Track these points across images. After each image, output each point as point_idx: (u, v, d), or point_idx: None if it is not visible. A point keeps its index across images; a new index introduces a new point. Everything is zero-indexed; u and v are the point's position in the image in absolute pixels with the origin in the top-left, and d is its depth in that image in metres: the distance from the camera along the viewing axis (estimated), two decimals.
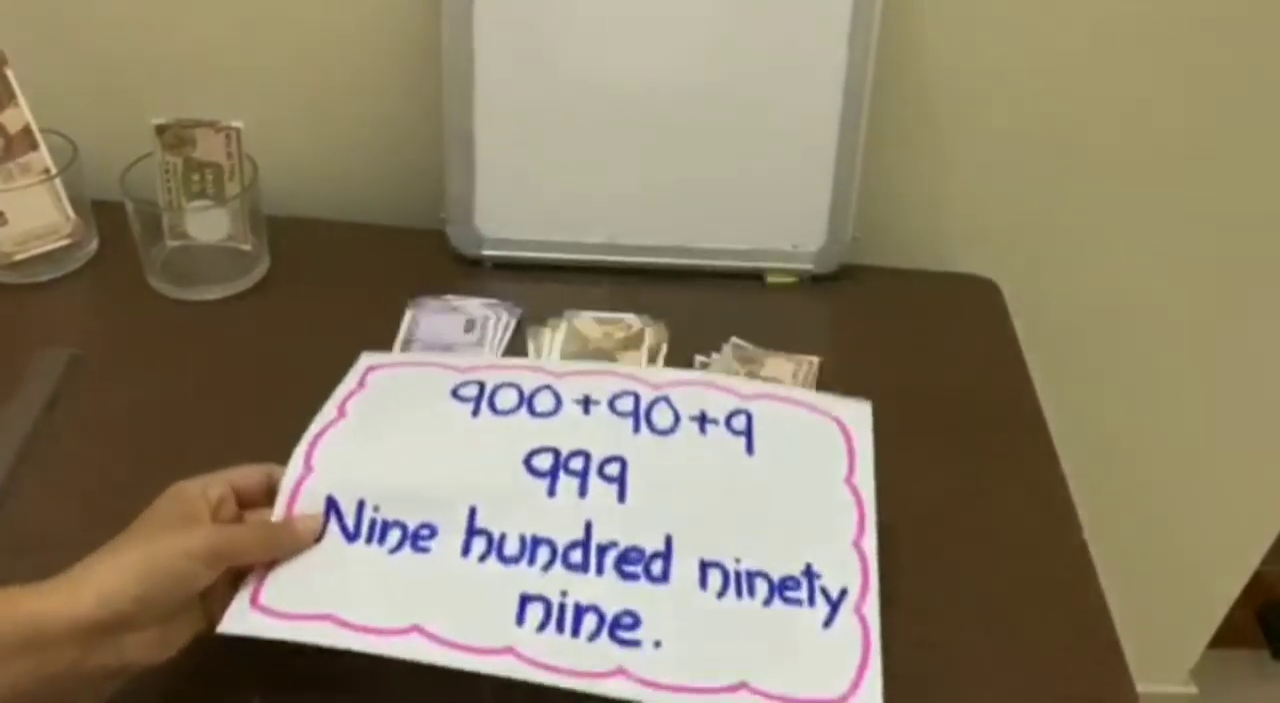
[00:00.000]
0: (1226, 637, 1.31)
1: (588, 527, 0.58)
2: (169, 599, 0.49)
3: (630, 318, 0.82)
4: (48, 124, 0.81)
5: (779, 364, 0.79)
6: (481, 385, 0.65)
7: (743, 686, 0.53)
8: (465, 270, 0.86)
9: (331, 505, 0.57)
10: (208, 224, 0.82)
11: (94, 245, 0.84)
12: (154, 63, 0.87)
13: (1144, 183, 0.93)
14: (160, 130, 0.79)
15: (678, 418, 0.64)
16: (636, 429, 0.63)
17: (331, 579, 0.55)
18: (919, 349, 0.83)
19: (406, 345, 0.78)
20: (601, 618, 0.55)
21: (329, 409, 0.62)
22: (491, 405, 0.63)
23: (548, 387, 0.65)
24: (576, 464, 0.61)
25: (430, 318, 0.81)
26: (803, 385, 0.77)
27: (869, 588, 0.58)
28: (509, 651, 0.53)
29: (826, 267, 0.87)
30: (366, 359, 0.66)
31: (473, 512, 0.58)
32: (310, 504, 0.57)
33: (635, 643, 0.54)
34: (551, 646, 0.53)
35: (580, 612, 0.55)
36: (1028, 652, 0.64)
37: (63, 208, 0.81)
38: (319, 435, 0.60)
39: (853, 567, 0.59)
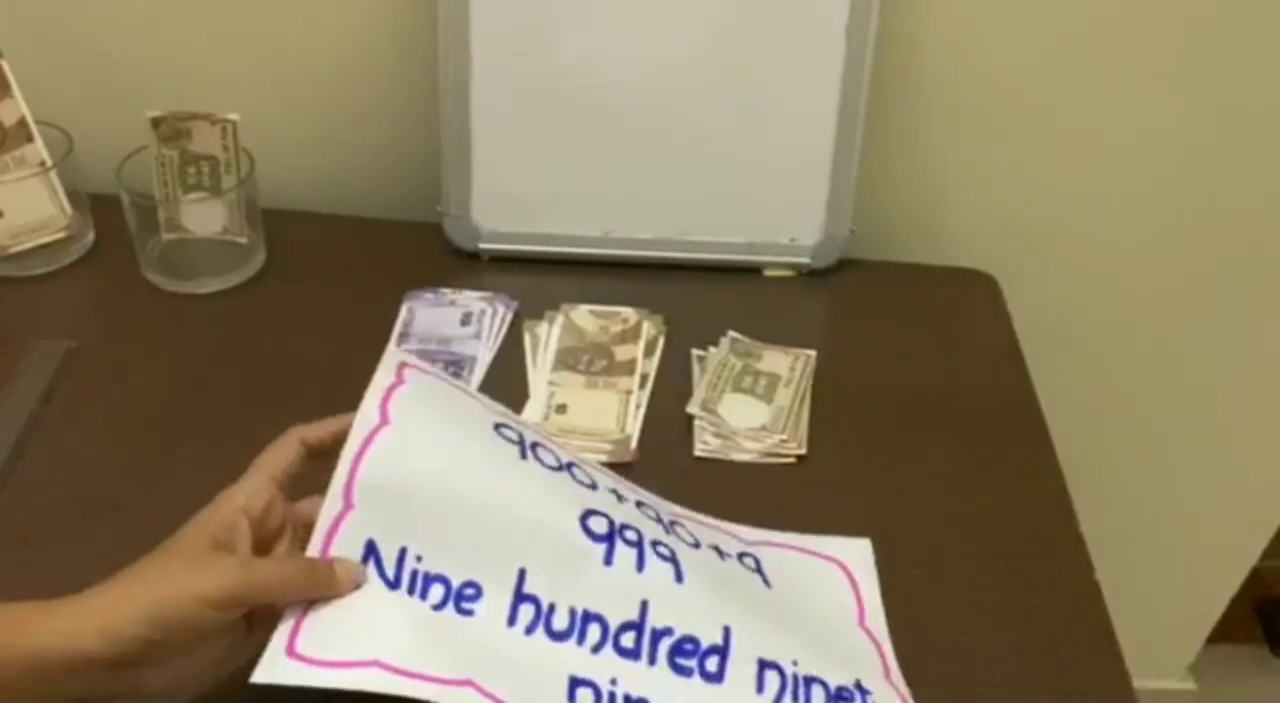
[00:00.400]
0: (1225, 632, 1.31)
1: (643, 607, 0.53)
2: (181, 642, 0.46)
3: (627, 311, 0.82)
4: (43, 116, 0.80)
5: (776, 358, 0.79)
6: (521, 435, 0.58)
7: None
8: (461, 264, 0.86)
9: (371, 550, 0.51)
10: (204, 217, 0.82)
11: (90, 238, 0.84)
12: (149, 55, 0.87)
13: (1142, 176, 0.93)
14: (156, 123, 0.79)
15: (697, 541, 0.59)
16: (668, 532, 0.58)
17: (375, 626, 0.49)
18: (917, 343, 0.83)
19: (403, 339, 0.78)
20: None
21: (369, 411, 0.54)
22: (536, 457, 0.57)
23: (577, 465, 0.59)
24: (631, 536, 0.55)
25: (426, 311, 0.81)
26: (800, 378, 0.77)
27: None
28: None
29: (824, 260, 0.87)
30: (396, 355, 0.58)
31: (522, 574, 0.52)
32: (348, 546, 0.51)
33: None
34: None
35: None
36: (1023, 645, 0.63)
37: (58, 201, 0.81)
38: (362, 452, 0.53)
39: (894, 697, 0.57)
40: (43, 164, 0.80)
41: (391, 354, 0.57)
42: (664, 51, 0.80)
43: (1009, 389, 0.80)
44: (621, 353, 0.79)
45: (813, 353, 0.79)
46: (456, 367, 0.76)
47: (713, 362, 0.78)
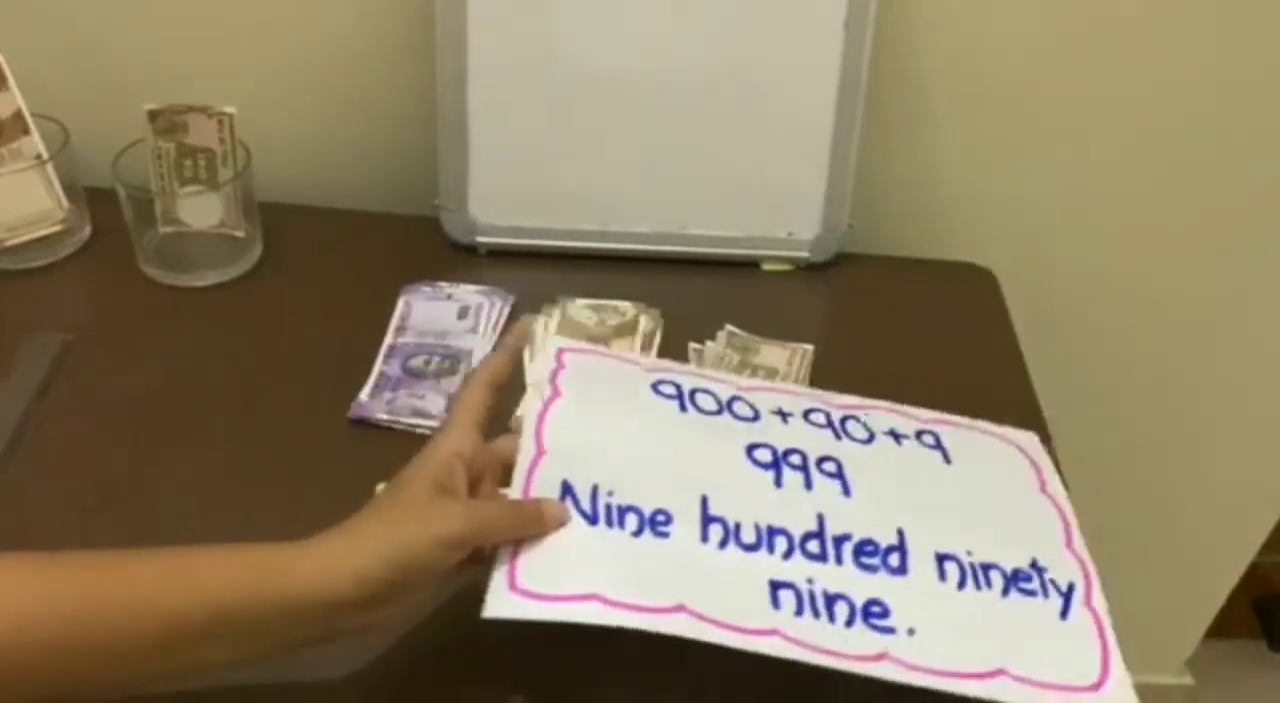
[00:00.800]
0: (1223, 628, 1.31)
1: (819, 519, 0.58)
2: (417, 582, 0.50)
3: (624, 305, 0.81)
4: (39, 109, 0.80)
5: (774, 352, 0.79)
6: (679, 386, 0.64)
7: (1001, 672, 0.54)
8: (459, 257, 0.86)
9: (567, 490, 0.56)
10: (200, 210, 0.81)
11: (86, 231, 0.84)
12: (146, 48, 0.86)
13: (1140, 171, 0.93)
14: (152, 116, 0.79)
15: (871, 433, 0.64)
16: (838, 438, 0.63)
17: (585, 560, 0.54)
18: (915, 337, 0.83)
19: (400, 332, 0.78)
20: (852, 606, 0.55)
21: (541, 386, 0.61)
22: (695, 404, 0.63)
23: (739, 397, 0.64)
24: (795, 460, 0.60)
25: (423, 305, 0.81)
26: (798, 374, 0.77)
27: (1093, 585, 0.59)
28: (775, 633, 0.53)
29: (822, 254, 0.87)
30: (553, 341, 0.64)
31: (704, 500, 0.57)
32: (546, 487, 0.56)
33: (890, 630, 0.54)
34: (814, 629, 0.54)
35: (830, 600, 0.55)
36: None
37: (55, 194, 0.81)
38: (543, 414, 0.59)
39: (1073, 566, 0.60)
40: (39, 157, 0.80)
41: (551, 341, 0.64)
42: (662, 45, 0.80)
43: (1007, 383, 0.80)
44: (619, 347, 0.79)
45: (810, 347, 0.79)
46: (453, 361, 0.76)
47: (710, 356, 0.78)
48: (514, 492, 0.55)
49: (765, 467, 0.60)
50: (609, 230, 0.86)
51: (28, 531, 0.63)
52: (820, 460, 0.61)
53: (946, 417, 0.68)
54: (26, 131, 0.79)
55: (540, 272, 0.85)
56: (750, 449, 0.60)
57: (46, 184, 0.81)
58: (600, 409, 0.61)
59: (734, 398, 0.64)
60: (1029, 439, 0.69)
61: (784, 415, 0.64)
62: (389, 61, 0.86)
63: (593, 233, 0.86)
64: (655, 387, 0.63)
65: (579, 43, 0.80)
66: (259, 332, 0.78)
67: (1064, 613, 0.58)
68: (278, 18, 0.85)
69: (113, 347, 0.76)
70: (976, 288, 0.89)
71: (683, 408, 0.62)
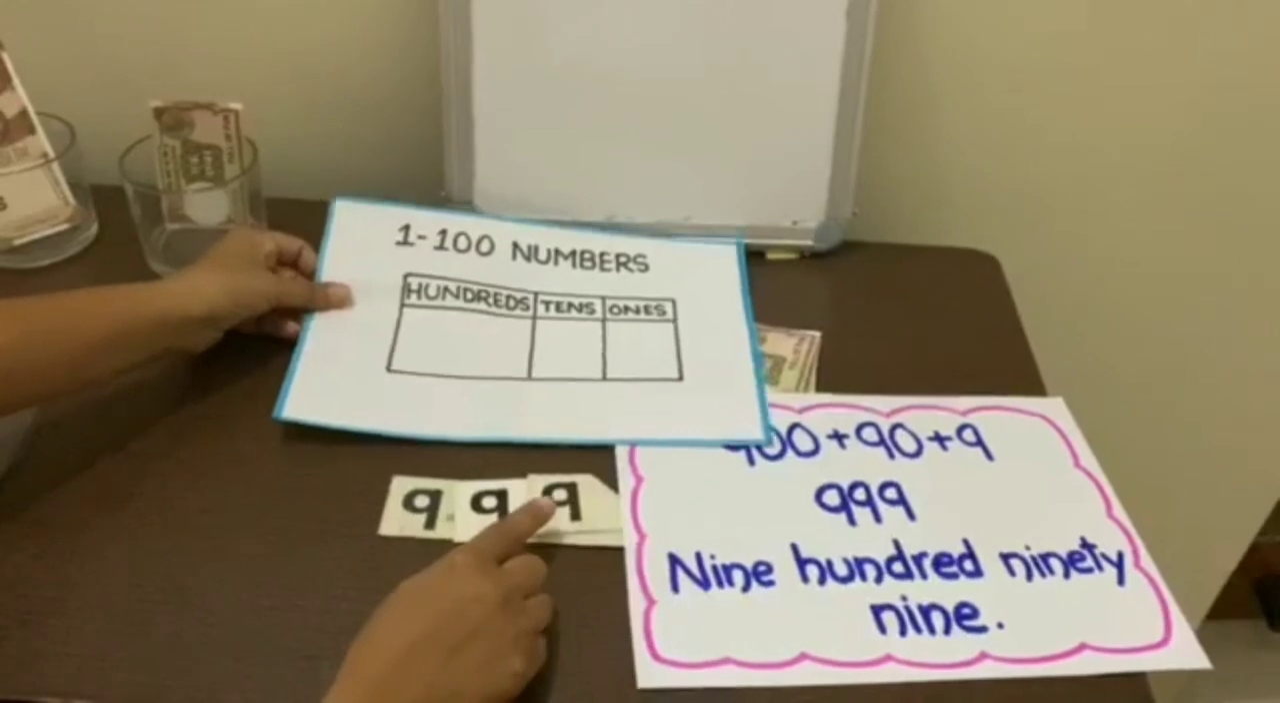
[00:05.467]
0: (1224, 608, 1.31)
1: (896, 544, 0.65)
2: (238, 317, 0.71)
3: None
4: (45, 108, 0.80)
5: (780, 339, 0.79)
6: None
7: (1084, 647, 0.61)
8: None
9: (675, 562, 0.63)
10: (207, 206, 0.82)
11: (93, 229, 0.84)
12: (151, 45, 0.86)
13: (1143, 156, 0.93)
14: (158, 113, 0.79)
15: (919, 442, 0.72)
16: (891, 457, 0.71)
17: (711, 624, 0.60)
18: (920, 324, 0.84)
19: None
20: (946, 613, 0.62)
21: (625, 475, 0.68)
22: (762, 451, 0.71)
23: (798, 425, 0.72)
24: (860, 495, 0.68)
25: None
26: (805, 361, 0.78)
27: (1138, 548, 0.67)
28: (888, 659, 0.59)
29: (827, 242, 0.87)
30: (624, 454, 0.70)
31: (795, 547, 0.65)
32: (655, 566, 0.63)
33: (983, 629, 0.61)
34: (919, 646, 0.60)
35: (926, 611, 0.62)
36: None
37: (61, 192, 0.81)
38: (635, 501, 0.66)
39: (1117, 535, 0.68)
40: (45, 156, 0.80)
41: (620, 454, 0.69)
42: (666, 35, 0.80)
43: (1011, 368, 0.80)
44: None
45: (817, 334, 0.80)
46: None
47: None
48: (630, 579, 0.62)
49: (835, 509, 0.67)
50: (614, 221, 0.86)
51: (47, 525, 0.63)
52: (882, 488, 0.69)
53: (981, 401, 0.76)
54: (32, 130, 0.80)
55: None
56: (819, 494, 0.68)
57: (53, 182, 0.81)
58: (682, 484, 0.68)
59: (793, 427, 0.72)
60: (1057, 407, 0.76)
61: (840, 439, 0.72)
62: (394, 55, 0.86)
63: (598, 223, 0.86)
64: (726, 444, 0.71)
65: (583, 35, 0.80)
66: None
67: (1120, 580, 0.65)
68: (282, 13, 0.85)
69: None
70: (980, 274, 0.89)
71: (751, 462, 0.70)
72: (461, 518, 0.65)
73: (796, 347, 0.79)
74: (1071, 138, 0.92)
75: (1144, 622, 0.63)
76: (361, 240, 0.81)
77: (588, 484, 0.67)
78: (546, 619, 0.57)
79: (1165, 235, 0.98)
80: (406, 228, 0.82)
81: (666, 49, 0.81)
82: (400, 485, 0.67)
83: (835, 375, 0.77)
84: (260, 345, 0.75)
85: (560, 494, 0.66)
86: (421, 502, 0.66)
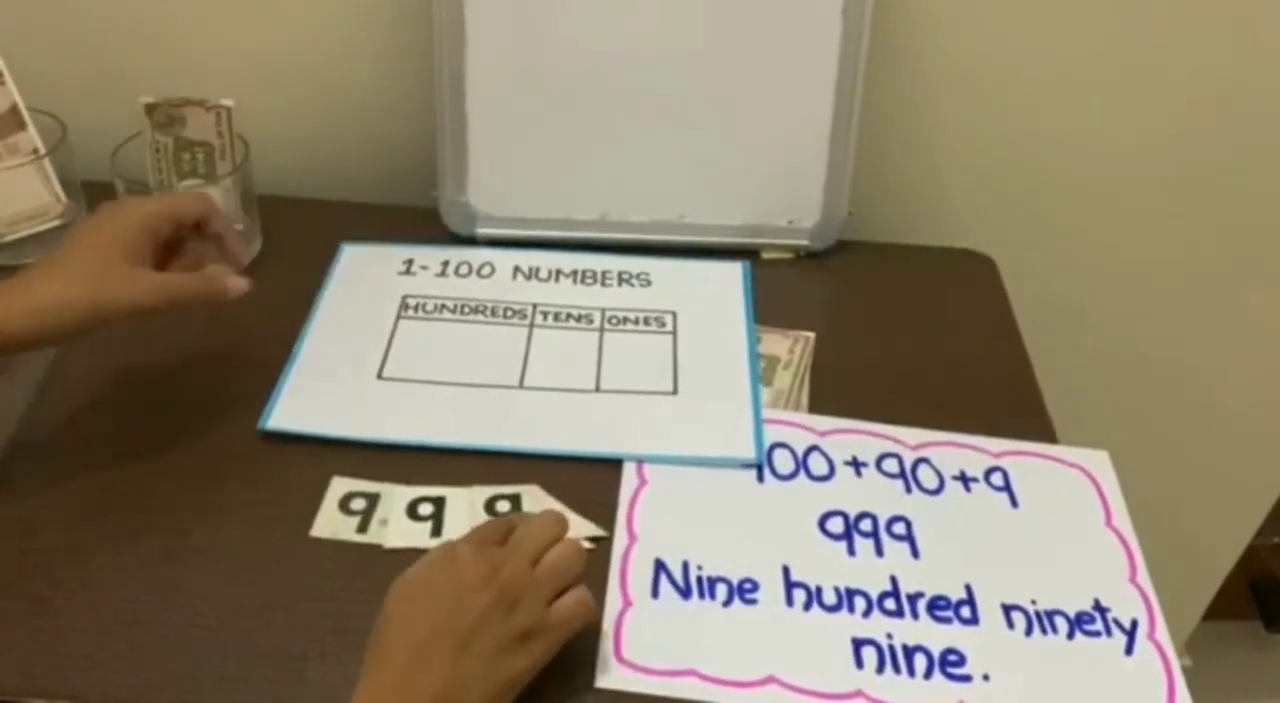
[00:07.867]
0: (1220, 609, 1.31)
1: (893, 580, 0.63)
2: (112, 324, 0.60)
3: None
4: (35, 104, 0.80)
5: (775, 340, 0.79)
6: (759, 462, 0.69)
7: None
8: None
9: (660, 567, 0.62)
10: None
11: None
12: (143, 41, 0.86)
13: (1140, 157, 0.93)
14: (150, 109, 0.79)
15: (942, 479, 0.69)
16: (909, 491, 0.68)
17: (681, 635, 0.59)
18: (915, 324, 0.83)
19: None
20: (930, 657, 0.59)
21: (630, 475, 0.67)
22: (773, 470, 0.69)
23: (816, 448, 0.70)
24: (866, 526, 0.66)
25: None
26: (799, 361, 0.77)
27: (1155, 618, 0.63)
28: (859, 694, 0.57)
29: (822, 242, 0.87)
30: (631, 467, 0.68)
31: (786, 568, 0.63)
32: (640, 569, 0.62)
33: (966, 678, 0.58)
34: (894, 686, 0.57)
35: (910, 652, 0.59)
36: None
37: (53, 189, 0.81)
38: (633, 503, 0.66)
39: (1135, 601, 0.64)
40: (35, 152, 0.80)
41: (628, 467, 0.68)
42: (660, 34, 0.80)
43: (1008, 369, 0.80)
44: None
45: (812, 335, 0.79)
46: None
47: None
48: (611, 579, 0.61)
49: (837, 537, 0.65)
50: (608, 220, 0.86)
51: (35, 526, 0.63)
52: (890, 522, 0.66)
53: (1020, 445, 0.72)
54: (23, 126, 0.79)
55: None
56: (823, 521, 0.66)
57: (44, 179, 0.80)
58: (683, 493, 0.67)
59: (810, 449, 0.70)
60: (1100, 461, 0.72)
61: (858, 467, 0.69)
62: (386, 52, 0.86)
63: (592, 223, 0.86)
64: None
65: (577, 33, 0.80)
66: (258, 324, 0.78)
67: (1129, 649, 0.61)
68: (274, 9, 0.85)
69: (111, 342, 0.75)
70: (976, 274, 0.89)
71: (760, 479, 0.68)
72: (395, 523, 0.64)
73: (791, 347, 0.78)
74: (1068, 138, 0.92)
75: (1143, 692, 0.59)
76: (364, 274, 0.81)
77: (532, 495, 0.66)
78: (567, 577, 0.55)
79: (1162, 236, 0.97)
80: (410, 261, 0.82)
81: (662, 47, 0.80)
82: (339, 487, 0.66)
83: (830, 376, 0.77)
84: (255, 345, 0.75)
85: (504, 506, 0.65)
86: (358, 504, 0.65)
